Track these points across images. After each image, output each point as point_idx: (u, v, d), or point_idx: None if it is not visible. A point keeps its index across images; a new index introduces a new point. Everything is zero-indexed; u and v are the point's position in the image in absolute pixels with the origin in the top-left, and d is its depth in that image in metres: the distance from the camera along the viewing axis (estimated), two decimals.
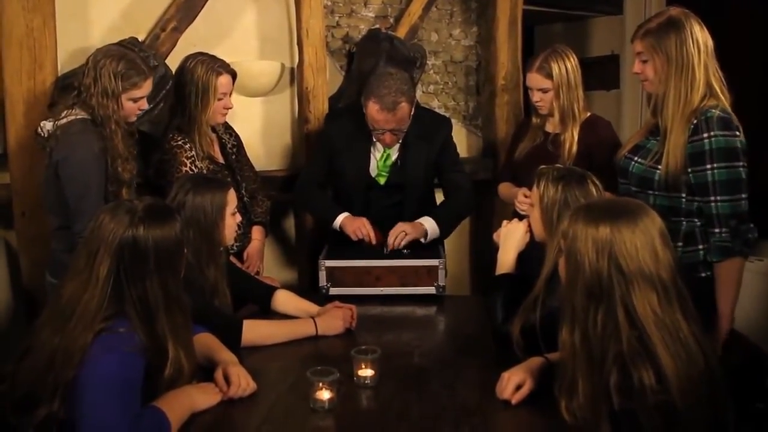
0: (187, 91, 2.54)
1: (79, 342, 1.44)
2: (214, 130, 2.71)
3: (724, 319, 2.02)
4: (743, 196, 2.01)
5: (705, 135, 2.00)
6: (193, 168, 2.54)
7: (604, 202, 1.66)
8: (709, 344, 1.43)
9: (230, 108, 2.66)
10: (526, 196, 2.35)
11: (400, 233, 2.60)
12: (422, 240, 2.66)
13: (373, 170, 2.82)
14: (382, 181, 2.82)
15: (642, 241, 1.37)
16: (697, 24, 2.07)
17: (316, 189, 2.86)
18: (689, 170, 2.04)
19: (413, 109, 2.68)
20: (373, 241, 2.63)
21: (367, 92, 2.63)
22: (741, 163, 2.01)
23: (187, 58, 2.60)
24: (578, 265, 1.40)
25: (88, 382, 1.42)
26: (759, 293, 3.12)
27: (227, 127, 2.84)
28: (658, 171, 2.09)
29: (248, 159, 2.92)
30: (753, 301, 3.06)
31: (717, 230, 2.02)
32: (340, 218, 2.70)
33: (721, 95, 2.06)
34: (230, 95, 2.65)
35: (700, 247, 2.09)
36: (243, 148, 2.89)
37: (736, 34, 3.24)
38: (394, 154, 2.80)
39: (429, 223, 2.68)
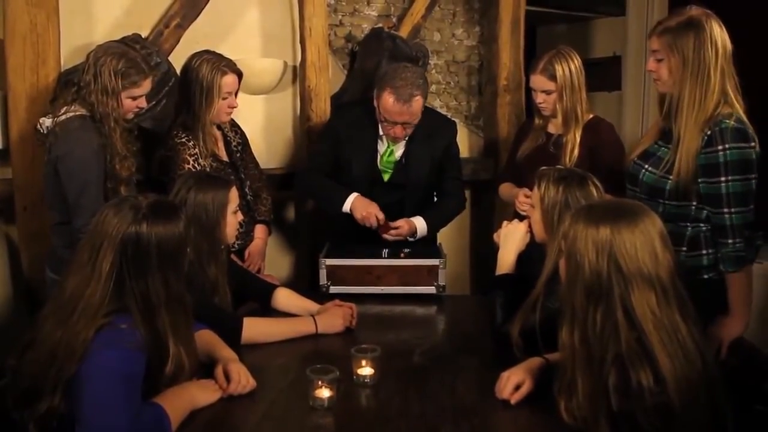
0: (192, 90, 2.53)
1: (81, 336, 1.44)
2: (219, 127, 2.71)
3: (740, 323, 2.02)
4: (752, 206, 2.00)
5: (720, 147, 1.96)
6: (196, 165, 2.54)
7: (604, 203, 1.66)
8: (708, 345, 1.43)
9: (235, 107, 2.65)
10: (526, 197, 2.35)
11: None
12: (410, 238, 2.69)
13: (378, 164, 2.81)
14: (386, 177, 2.82)
15: (641, 241, 1.38)
16: (717, 26, 2.01)
17: (321, 174, 2.81)
18: (700, 181, 2.01)
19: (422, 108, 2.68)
20: (382, 224, 2.64)
21: (383, 83, 2.61)
22: (754, 175, 1.98)
23: (193, 56, 2.58)
24: (578, 265, 1.41)
25: (89, 378, 1.42)
26: (759, 296, 3.12)
27: (233, 125, 2.83)
28: (669, 180, 2.06)
29: (253, 157, 2.91)
30: (755, 304, 3.06)
31: (731, 240, 2.00)
32: (352, 198, 2.67)
33: (735, 102, 2.01)
34: (236, 94, 2.63)
35: (704, 251, 2.07)
36: (249, 146, 2.88)
37: (754, 36, 3.18)
38: (398, 151, 2.80)
39: (420, 223, 2.72)
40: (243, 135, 2.86)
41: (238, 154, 2.78)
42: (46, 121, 2.29)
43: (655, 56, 2.11)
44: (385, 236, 2.66)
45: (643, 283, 1.36)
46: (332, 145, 2.81)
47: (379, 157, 2.80)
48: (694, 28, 2.01)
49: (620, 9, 4.65)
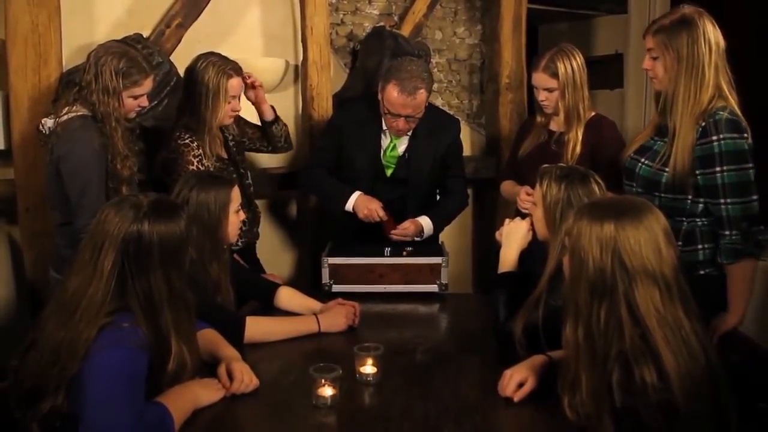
0: (197, 92, 2.51)
1: (84, 336, 1.44)
2: (221, 128, 2.70)
3: (734, 316, 2.03)
4: (754, 197, 2.01)
5: (714, 138, 1.99)
6: (200, 166, 2.52)
7: (608, 200, 1.66)
8: (711, 342, 1.43)
9: (238, 111, 2.63)
10: (528, 194, 2.35)
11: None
12: (417, 238, 2.70)
13: (381, 159, 2.81)
14: (388, 172, 2.82)
15: (646, 238, 1.38)
16: (710, 23, 2.05)
17: (324, 171, 2.81)
18: (697, 173, 2.04)
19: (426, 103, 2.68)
20: (384, 219, 2.64)
21: (387, 75, 2.62)
22: (749, 165, 2.00)
23: (199, 58, 2.56)
24: (582, 262, 1.41)
25: (92, 378, 1.42)
26: (762, 292, 3.11)
27: None
28: (665, 173, 2.08)
29: (245, 121, 2.87)
30: (756, 300, 3.06)
31: (727, 232, 2.02)
32: (354, 197, 2.68)
33: (729, 96, 2.05)
34: (239, 98, 2.61)
35: (699, 246, 2.09)
36: (240, 120, 2.83)
37: (747, 32, 3.20)
38: (401, 146, 2.80)
39: (426, 223, 2.72)
40: (236, 126, 2.79)
41: (235, 149, 2.76)
42: (48, 122, 2.30)
43: (650, 55, 2.14)
44: (390, 235, 2.66)
45: (647, 279, 1.36)
46: (335, 140, 2.81)
47: (382, 152, 2.80)
48: (687, 26, 2.04)
49: (622, 7, 4.64)
